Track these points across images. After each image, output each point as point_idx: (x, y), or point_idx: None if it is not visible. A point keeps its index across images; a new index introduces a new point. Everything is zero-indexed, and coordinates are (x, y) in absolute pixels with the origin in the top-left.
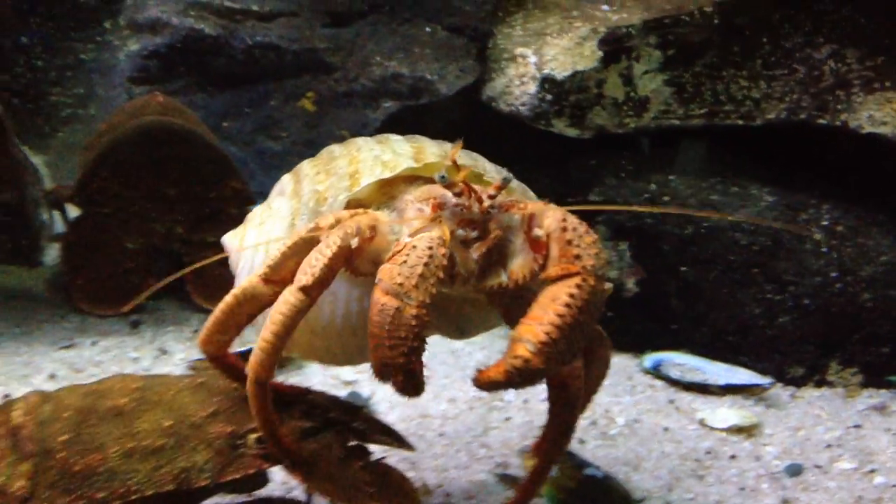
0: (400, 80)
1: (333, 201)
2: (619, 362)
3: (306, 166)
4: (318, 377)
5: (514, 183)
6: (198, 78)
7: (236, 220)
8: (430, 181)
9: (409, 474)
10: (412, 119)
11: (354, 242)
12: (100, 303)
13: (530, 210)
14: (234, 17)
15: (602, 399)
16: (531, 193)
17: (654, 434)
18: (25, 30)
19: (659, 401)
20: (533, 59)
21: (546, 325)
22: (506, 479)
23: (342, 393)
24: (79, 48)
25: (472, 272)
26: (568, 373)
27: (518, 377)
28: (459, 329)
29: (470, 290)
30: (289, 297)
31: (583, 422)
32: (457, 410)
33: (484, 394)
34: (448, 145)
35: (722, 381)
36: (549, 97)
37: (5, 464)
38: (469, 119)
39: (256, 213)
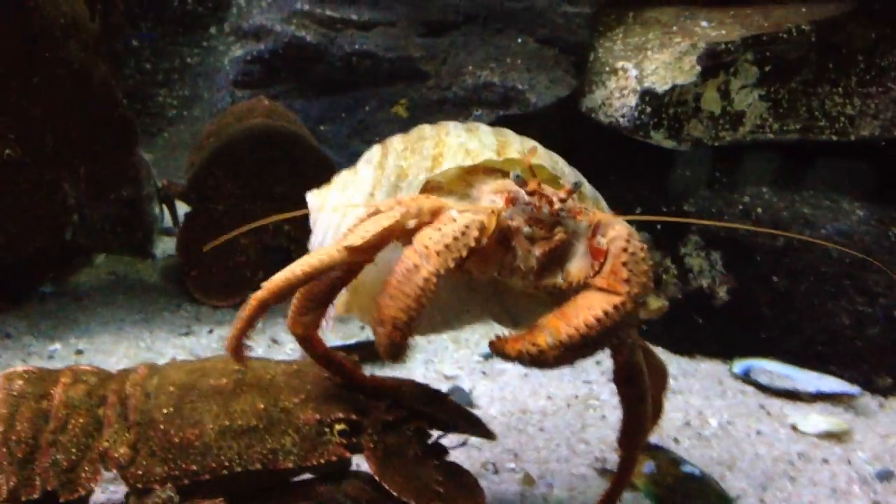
0: (491, 88)
1: (413, 179)
2: (709, 367)
3: (396, 141)
4: (420, 370)
5: (588, 189)
6: (297, 83)
7: None
8: (508, 175)
9: (511, 465)
10: (512, 128)
11: (411, 224)
12: (213, 294)
13: (598, 219)
14: (335, 26)
15: (694, 402)
16: (603, 202)
17: (746, 436)
18: (135, 33)
19: (750, 405)
20: (633, 72)
21: (572, 329)
22: (605, 472)
23: (443, 387)
24: (185, 52)
25: (531, 268)
26: (632, 370)
27: (528, 360)
28: (513, 318)
29: (528, 286)
30: (330, 249)
31: (677, 423)
32: (555, 407)
33: (580, 392)
34: (534, 143)
35: (811, 389)
36: (648, 109)
37: (112, 430)
38: (567, 129)
39: (343, 176)
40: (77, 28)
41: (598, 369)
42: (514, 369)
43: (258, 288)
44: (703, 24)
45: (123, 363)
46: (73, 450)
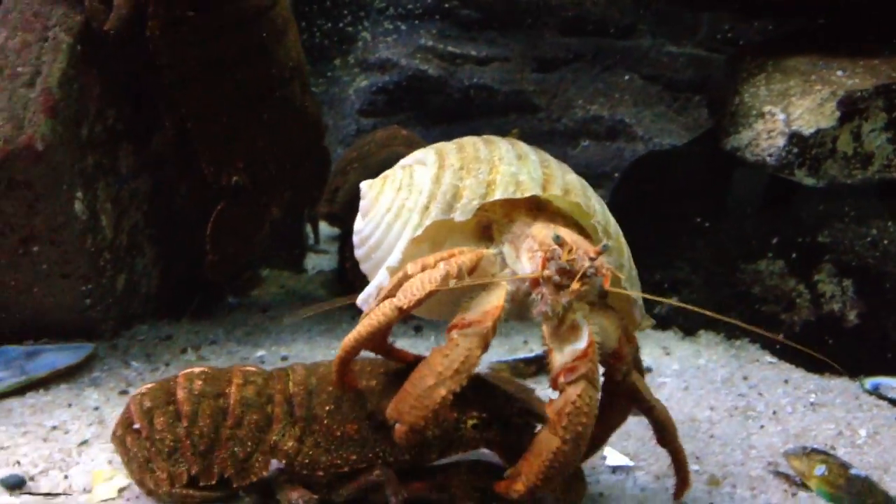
0: (600, 121)
1: (468, 203)
2: (843, 384)
3: (452, 156)
4: None
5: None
6: (417, 112)
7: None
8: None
9: (695, 468)
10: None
11: (452, 283)
12: None
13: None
14: (455, 61)
15: (839, 414)
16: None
17: (893, 443)
18: None
19: (888, 417)
20: (781, 116)
21: (533, 476)
22: (779, 475)
23: None
24: (311, 82)
25: (559, 314)
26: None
27: (518, 499)
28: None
29: (552, 327)
30: (386, 310)
31: (831, 432)
32: (718, 417)
33: (739, 404)
34: (575, 177)
35: None
36: (795, 150)
37: (280, 426)
38: (710, 166)
39: (397, 176)
40: (300, 71)
41: (746, 384)
42: (673, 382)
43: None
44: (839, 73)
45: None
46: (249, 443)
